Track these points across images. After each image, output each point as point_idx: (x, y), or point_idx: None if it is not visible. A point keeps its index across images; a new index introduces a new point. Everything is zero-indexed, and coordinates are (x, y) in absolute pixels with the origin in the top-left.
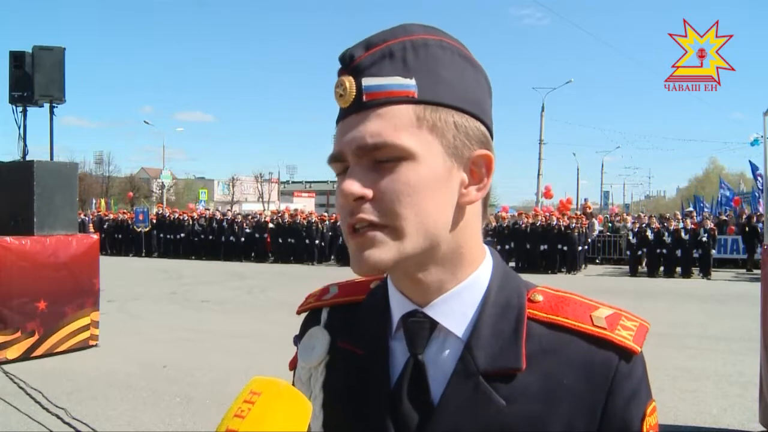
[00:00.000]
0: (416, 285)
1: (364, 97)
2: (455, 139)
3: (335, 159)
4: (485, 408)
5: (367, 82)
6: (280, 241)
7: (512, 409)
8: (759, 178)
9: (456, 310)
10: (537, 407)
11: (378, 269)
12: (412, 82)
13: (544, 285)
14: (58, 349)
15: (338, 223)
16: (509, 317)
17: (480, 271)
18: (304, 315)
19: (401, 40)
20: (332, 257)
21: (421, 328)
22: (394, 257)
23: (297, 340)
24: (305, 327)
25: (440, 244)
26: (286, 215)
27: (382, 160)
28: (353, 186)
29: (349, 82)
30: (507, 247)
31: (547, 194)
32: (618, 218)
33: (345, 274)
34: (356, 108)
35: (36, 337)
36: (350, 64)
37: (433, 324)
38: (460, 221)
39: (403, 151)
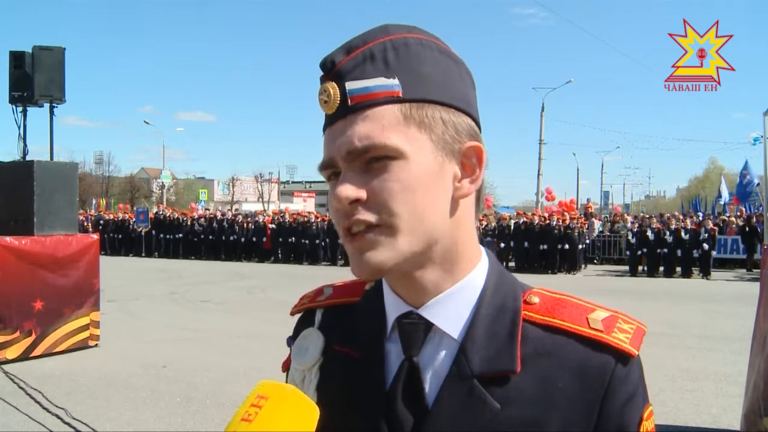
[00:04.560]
0: (412, 285)
1: (349, 102)
2: (444, 133)
3: (326, 166)
4: (479, 411)
5: (350, 85)
6: (280, 240)
7: (507, 412)
8: (748, 178)
9: (451, 311)
10: (532, 410)
11: (380, 272)
12: (396, 81)
13: (540, 287)
14: (57, 349)
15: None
16: (504, 319)
17: (475, 271)
18: (298, 316)
19: (381, 41)
20: (332, 257)
21: (416, 329)
22: (394, 258)
23: (290, 341)
24: (299, 328)
25: (437, 240)
26: (287, 215)
27: (372, 161)
28: (347, 190)
29: (332, 87)
30: (503, 245)
31: (549, 197)
32: (618, 218)
33: (345, 275)
34: (342, 113)
35: (33, 336)
36: (332, 70)
37: (428, 325)
38: (455, 216)
39: (393, 151)
